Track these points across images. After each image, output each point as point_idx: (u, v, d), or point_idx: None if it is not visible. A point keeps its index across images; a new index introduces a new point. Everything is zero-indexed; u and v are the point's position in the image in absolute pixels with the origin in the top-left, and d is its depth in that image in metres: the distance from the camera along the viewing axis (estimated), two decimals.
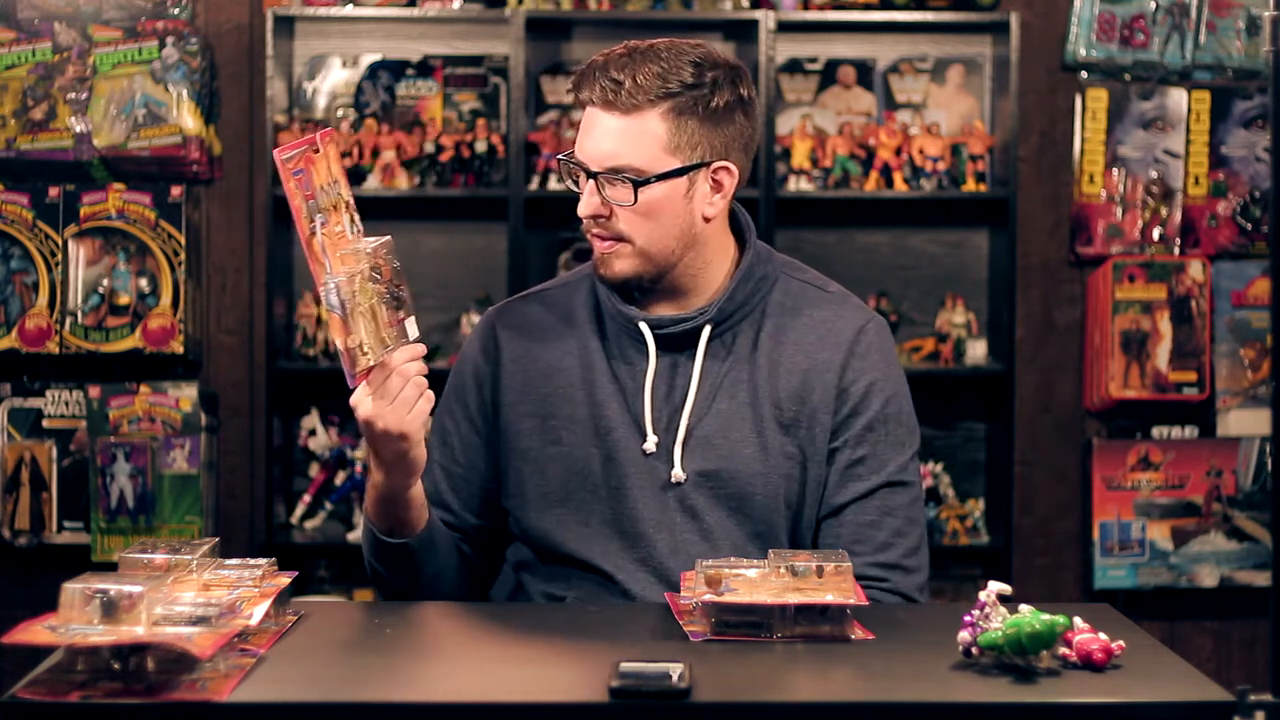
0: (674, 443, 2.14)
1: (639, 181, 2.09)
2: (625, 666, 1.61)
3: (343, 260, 1.91)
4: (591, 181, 2.12)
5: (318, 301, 4.11)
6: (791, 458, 2.16)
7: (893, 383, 2.19)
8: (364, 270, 1.92)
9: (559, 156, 2.20)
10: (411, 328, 2.00)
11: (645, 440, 2.15)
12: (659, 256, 2.14)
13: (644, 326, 2.16)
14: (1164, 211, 4.20)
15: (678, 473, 2.14)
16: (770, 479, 2.14)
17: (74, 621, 1.60)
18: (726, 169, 2.14)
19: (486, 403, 2.23)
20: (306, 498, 4.18)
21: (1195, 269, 4.14)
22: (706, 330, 2.17)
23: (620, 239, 2.13)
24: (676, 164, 2.10)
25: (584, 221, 2.15)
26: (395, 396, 1.97)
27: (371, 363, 1.94)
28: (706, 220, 2.15)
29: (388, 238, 1.97)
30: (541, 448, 2.18)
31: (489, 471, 2.23)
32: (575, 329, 2.22)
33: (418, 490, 2.10)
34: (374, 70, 4.18)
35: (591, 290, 2.24)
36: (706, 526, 2.14)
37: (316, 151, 1.91)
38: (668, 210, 2.12)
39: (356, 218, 1.97)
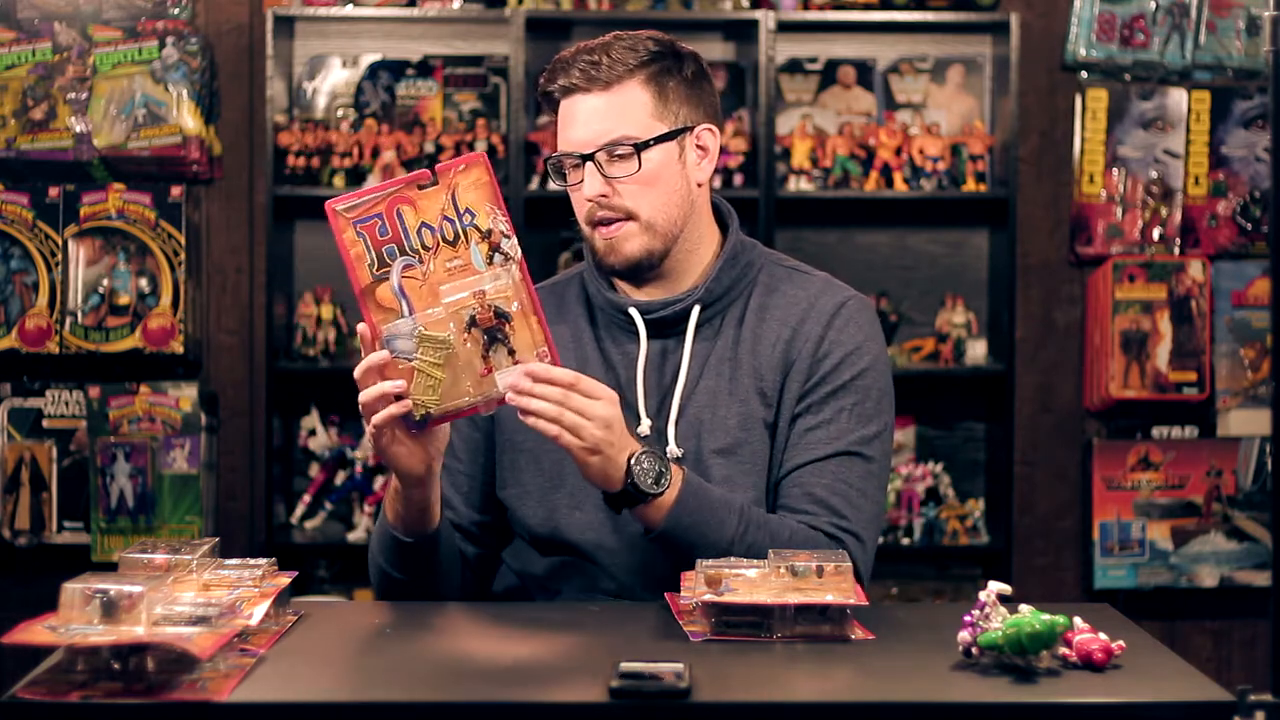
0: (667, 424, 2.16)
1: (640, 145, 2.12)
2: (625, 666, 1.61)
3: (439, 299, 1.88)
4: (590, 163, 2.13)
5: (318, 301, 4.10)
6: (769, 426, 2.17)
7: (868, 357, 2.19)
8: (457, 314, 1.89)
9: (546, 159, 2.22)
10: (506, 376, 1.92)
11: (640, 424, 2.16)
12: (664, 227, 2.16)
13: (634, 312, 2.19)
14: (1164, 211, 4.19)
15: (673, 449, 2.15)
16: (753, 449, 2.16)
17: (74, 621, 1.60)
18: (710, 131, 2.20)
19: None
20: (306, 498, 4.18)
21: (1195, 269, 4.14)
22: (695, 312, 2.19)
23: (628, 216, 2.15)
24: (665, 128, 2.15)
25: (587, 209, 2.16)
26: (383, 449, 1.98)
27: (416, 417, 1.93)
28: (699, 186, 2.20)
29: (511, 268, 1.89)
30: (538, 439, 2.18)
31: (488, 465, 2.25)
32: (568, 321, 2.25)
33: (437, 493, 2.13)
34: (374, 70, 4.18)
35: (583, 285, 2.27)
36: None
37: (432, 185, 1.88)
38: (667, 177, 2.15)
39: (507, 244, 1.90)
